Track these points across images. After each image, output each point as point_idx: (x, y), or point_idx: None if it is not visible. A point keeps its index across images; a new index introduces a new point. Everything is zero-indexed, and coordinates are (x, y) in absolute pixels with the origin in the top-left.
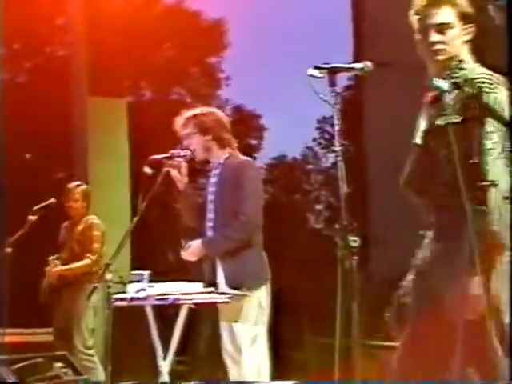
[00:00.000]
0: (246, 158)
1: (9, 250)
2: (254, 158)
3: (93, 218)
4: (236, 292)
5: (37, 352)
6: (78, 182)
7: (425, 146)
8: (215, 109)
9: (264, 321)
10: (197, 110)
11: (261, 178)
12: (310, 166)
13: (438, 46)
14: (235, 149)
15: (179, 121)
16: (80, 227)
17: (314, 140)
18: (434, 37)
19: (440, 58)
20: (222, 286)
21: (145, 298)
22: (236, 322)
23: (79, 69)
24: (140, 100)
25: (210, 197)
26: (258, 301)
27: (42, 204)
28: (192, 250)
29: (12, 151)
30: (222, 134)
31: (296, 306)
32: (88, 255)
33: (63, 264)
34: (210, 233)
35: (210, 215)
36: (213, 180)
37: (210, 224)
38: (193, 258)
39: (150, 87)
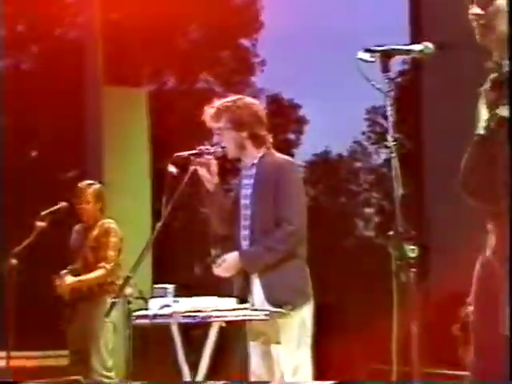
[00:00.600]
0: (284, 156)
1: (14, 261)
2: (293, 156)
3: (109, 223)
4: (277, 310)
5: (49, 377)
6: (91, 181)
7: (486, 139)
8: (252, 99)
9: (308, 343)
10: (231, 101)
11: (302, 180)
12: (359, 164)
13: (480, 21)
14: (270, 146)
15: (210, 112)
16: (94, 232)
17: (364, 134)
18: (474, 9)
19: (481, 34)
20: (260, 302)
21: (170, 316)
22: (276, 343)
23: (93, 54)
24: (162, 89)
25: (244, 201)
26: (302, 320)
27: (52, 208)
28: (228, 265)
29: (15, 147)
30: (259, 130)
31: (344, 325)
32: (103, 264)
33: (75, 275)
34: (245, 242)
35: (245, 222)
36: (246, 182)
37: (244, 232)
38: (228, 274)
39: (174, 75)
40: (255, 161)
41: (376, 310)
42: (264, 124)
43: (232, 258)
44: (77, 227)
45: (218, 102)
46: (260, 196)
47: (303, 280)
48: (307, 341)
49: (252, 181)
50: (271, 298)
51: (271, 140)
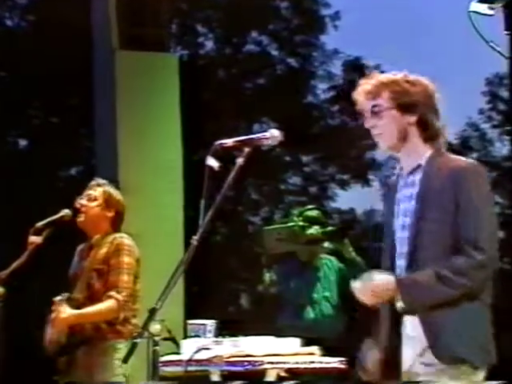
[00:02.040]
0: (463, 158)
1: (0, 289)
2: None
3: (121, 237)
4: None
5: None
6: (102, 180)
7: None
8: (424, 79)
9: None
10: (400, 75)
11: (492, 193)
12: (474, 155)
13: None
14: (443, 145)
15: (365, 86)
16: (102, 251)
17: (481, 112)
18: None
19: None
20: (410, 353)
21: (209, 361)
22: None
23: (103, 9)
24: (198, 54)
25: (403, 219)
26: None
27: (50, 218)
28: (373, 287)
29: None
30: (432, 117)
31: None
32: (113, 293)
33: (76, 307)
34: (402, 275)
35: (402, 248)
36: (408, 191)
37: (400, 262)
38: (366, 299)
39: (213, 34)
40: (422, 161)
41: None
42: (438, 112)
43: (385, 280)
44: (80, 247)
45: (376, 75)
46: (431, 212)
47: (487, 330)
48: None
49: (415, 190)
50: (442, 348)
51: (446, 136)
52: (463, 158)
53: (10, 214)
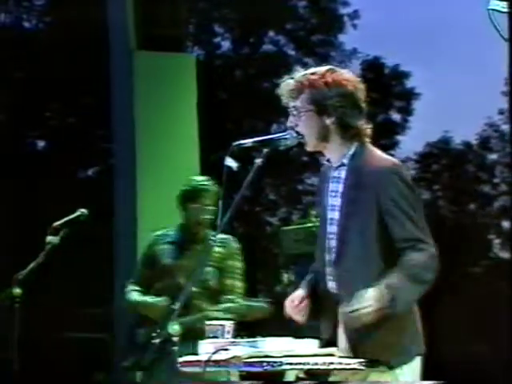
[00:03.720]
0: (386, 156)
1: (17, 291)
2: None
3: None
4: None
5: None
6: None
7: None
8: (348, 73)
9: None
10: (318, 74)
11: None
12: (494, 156)
13: None
14: (366, 140)
15: (288, 84)
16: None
17: (502, 113)
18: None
19: None
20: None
21: (228, 362)
22: None
23: (121, 10)
24: (215, 54)
25: (331, 214)
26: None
27: (68, 217)
28: (370, 306)
29: (18, 132)
30: (353, 117)
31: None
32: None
33: None
34: (329, 269)
35: (330, 243)
36: (334, 186)
37: (329, 257)
38: (368, 319)
39: (230, 33)
40: (345, 160)
41: None
42: (361, 109)
43: (373, 295)
44: None
45: (300, 73)
46: (355, 209)
47: (402, 331)
48: None
49: (341, 187)
50: (358, 353)
51: (369, 131)
52: (385, 157)
53: (28, 214)
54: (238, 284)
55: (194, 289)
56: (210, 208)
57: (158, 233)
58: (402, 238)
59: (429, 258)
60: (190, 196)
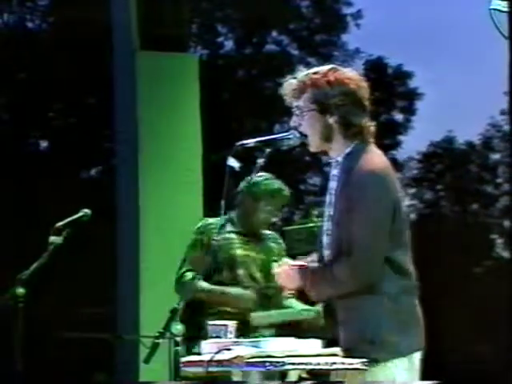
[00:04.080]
0: (372, 161)
1: (20, 290)
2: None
3: None
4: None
5: None
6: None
7: None
8: (351, 71)
9: None
10: (321, 73)
11: (388, 191)
12: (496, 156)
13: None
14: (368, 139)
15: (290, 84)
16: None
17: (503, 113)
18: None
19: None
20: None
21: (231, 362)
22: None
23: (123, 10)
24: (218, 54)
25: (327, 210)
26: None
27: (71, 218)
28: (291, 273)
29: (21, 132)
30: (355, 115)
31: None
32: None
33: None
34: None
35: (328, 239)
36: (331, 184)
37: (325, 251)
38: (290, 284)
39: (233, 33)
40: (339, 158)
41: None
42: (364, 107)
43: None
44: None
45: (302, 72)
46: (342, 207)
47: (387, 326)
48: None
49: (335, 184)
50: (348, 349)
51: (372, 129)
52: (371, 161)
53: (31, 214)
54: None
55: (274, 284)
56: (280, 212)
57: (211, 221)
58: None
59: (349, 264)
60: (267, 196)
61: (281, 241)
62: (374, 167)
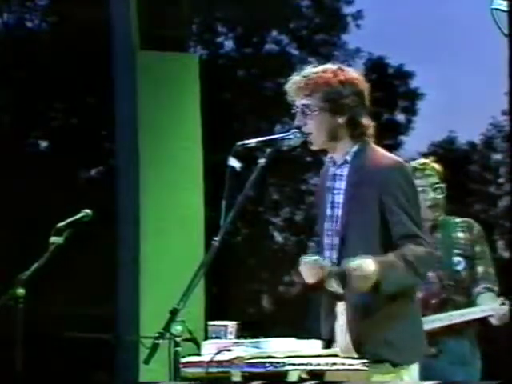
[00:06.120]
0: (389, 154)
1: (20, 291)
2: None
3: None
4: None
5: None
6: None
7: None
8: (354, 71)
9: None
10: (331, 71)
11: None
12: (498, 157)
13: None
14: (369, 138)
15: (297, 81)
16: None
17: (505, 113)
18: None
19: None
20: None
21: (231, 362)
22: None
23: (124, 9)
24: (218, 54)
25: (330, 211)
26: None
27: (72, 218)
28: (362, 274)
29: (20, 132)
30: (362, 115)
31: None
32: None
33: None
34: (332, 264)
35: (330, 240)
36: (337, 183)
37: (329, 254)
38: (364, 285)
39: (233, 33)
40: (348, 157)
41: None
42: (367, 107)
43: (370, 261)
44: None
45: (310, 70)
46: (357, 207)
47: (408, 329)
48: None
49: (343, 184)
50: (363, 352)
51: (372, 130)
52: (388, 155)
53: (31, 215)
54: (491, 271)
55: (447, 282)
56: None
57: None
58: (401, 234)
59: (426, 253)
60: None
61: (478, 226)
62: (394, 161)
